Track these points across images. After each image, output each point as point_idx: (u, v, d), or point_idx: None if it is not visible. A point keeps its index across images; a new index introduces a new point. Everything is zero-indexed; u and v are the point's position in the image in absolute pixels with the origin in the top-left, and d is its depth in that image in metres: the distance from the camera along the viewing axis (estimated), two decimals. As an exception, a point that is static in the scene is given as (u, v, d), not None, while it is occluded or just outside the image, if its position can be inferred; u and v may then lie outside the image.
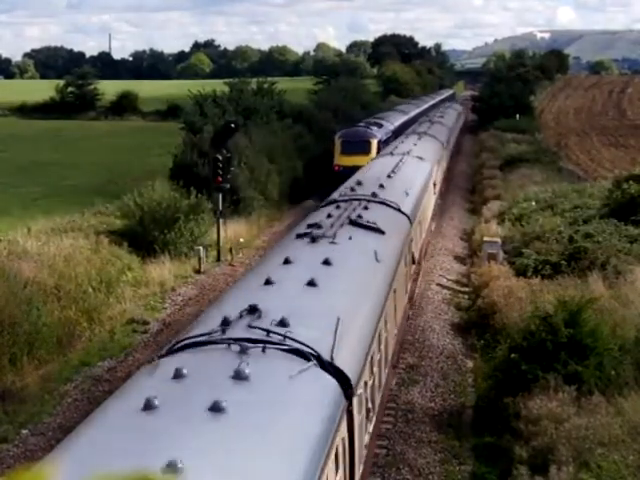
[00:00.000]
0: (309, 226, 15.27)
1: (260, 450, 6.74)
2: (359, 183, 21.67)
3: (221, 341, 8.63)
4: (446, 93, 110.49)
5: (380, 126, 49.40)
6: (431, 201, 29.96)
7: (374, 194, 19.47)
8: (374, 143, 44.30)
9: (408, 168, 26.28)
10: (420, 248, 23.80)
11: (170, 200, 29.75)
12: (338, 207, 17.50)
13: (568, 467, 12.74)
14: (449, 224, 38.24)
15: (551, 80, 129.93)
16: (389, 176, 23.25)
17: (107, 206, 33.72)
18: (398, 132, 49.77)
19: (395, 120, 55.99)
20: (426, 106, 76.10)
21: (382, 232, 15.72)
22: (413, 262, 20.24)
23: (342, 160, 43.29)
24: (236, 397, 7.28)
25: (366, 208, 17.40)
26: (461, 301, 25.93)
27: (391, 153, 30.82)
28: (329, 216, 16.15)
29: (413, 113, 65.10)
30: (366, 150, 43.01)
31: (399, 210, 19.14)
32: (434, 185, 31.60)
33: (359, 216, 16.15)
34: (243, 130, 39.97)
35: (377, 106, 75.49)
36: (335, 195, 20.66)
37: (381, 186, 20.92)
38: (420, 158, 29.72)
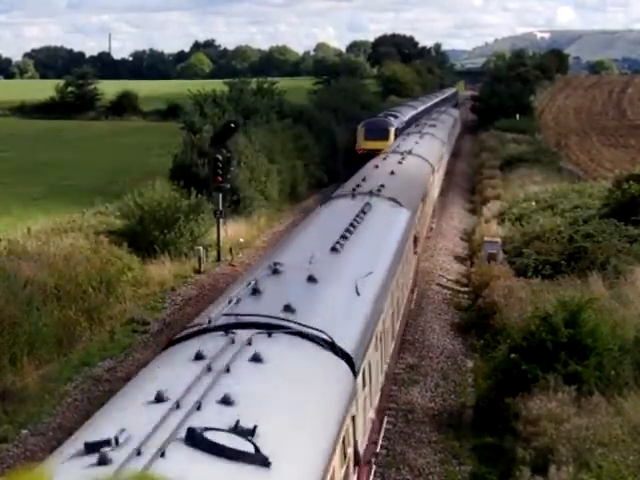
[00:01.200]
0: (88, 448, 6.43)
1: None
2: (275, 272, 12.04)
3: None
4: (449, 92, 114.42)
5: (396, 117, 57.96)
6: (409, 271, 20.10)
7: (287, 309, 10.04)
8: (392, 130, 51.81)
9: (371, 226, 16.75)
10: (378, 406, 12.93)
11: (170, 200, 29.74)
12: (200, 357, 8.45)
13: (568, 467, 12.74)
14: (449, 224, 38.24)
15: (551, 80, 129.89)
16: (334, 249, 13.59)
17: (107, 206, 33.74)
18: (410, 122, 58.31)
19: (407, 113, 64.55)
20: (431, 103, 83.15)
21: (264, 463, 6.54)
22: (357, 463, 10.01)
23: (365, 145, 50.70)
24: None
25: (257, 360, 8.42)
26: (461, 301, 25.94)
27: (352, 194, 20.71)
28: (158, 399, 7.32)
29: (421, 108, 73.73)
30: (385, 136, 50.41)
31: (331, 347, 9.78)
32: (415, 241, 21.55)
33: (226, 400, 7.31)
34: (243, 130, 39.96)
35: (377, 106, 75.65)
36: (216, 312, 10.38)
37: (311, 280, 11.53)
38: (395, 201, 20.46)
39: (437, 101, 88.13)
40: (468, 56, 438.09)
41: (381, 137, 50.13)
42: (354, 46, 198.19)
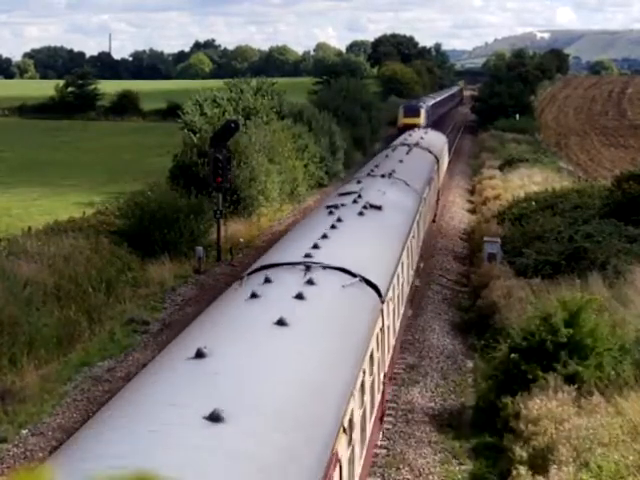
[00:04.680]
0: None
1: None
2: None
3: None
4: (455, 89, 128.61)
5: (424, 102, 79.47)
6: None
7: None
8: (422, 111, 72.69)
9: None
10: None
11: (170, 200, 29.74)
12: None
13: (568, 467, 12.73)
14: (449, 225, 38.23)
15: (551, 80, 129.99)
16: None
17: (107, 206, 33.73)
18: (434, 106, 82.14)
19: (430, 101, 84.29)
20: (446, 95, 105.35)
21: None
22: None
23: (404, 121, 69.49)
24: None
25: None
26: (461, 301, 25.93)
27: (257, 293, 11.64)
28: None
29: (438, 98, 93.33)
30: (418, 115, 71.10)
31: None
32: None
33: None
34: (243, 130, 39.94)
35: (377, 106, 75.86)
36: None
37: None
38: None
39: (449, 94, 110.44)
40: (468, 56, 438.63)
41: (415, 115, 70.19)
42: (354, 46, 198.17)
